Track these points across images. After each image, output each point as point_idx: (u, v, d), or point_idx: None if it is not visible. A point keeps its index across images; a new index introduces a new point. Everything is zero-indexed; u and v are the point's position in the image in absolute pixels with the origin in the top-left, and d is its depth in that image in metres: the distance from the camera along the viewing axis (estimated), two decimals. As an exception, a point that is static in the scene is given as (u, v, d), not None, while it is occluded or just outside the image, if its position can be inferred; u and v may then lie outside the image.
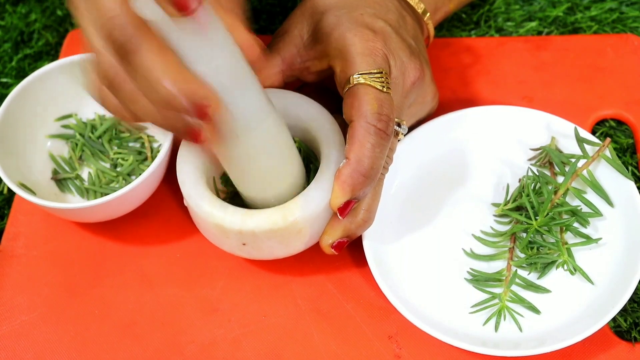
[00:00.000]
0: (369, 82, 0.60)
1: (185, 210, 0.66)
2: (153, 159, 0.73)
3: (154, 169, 0.67)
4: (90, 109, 0.76)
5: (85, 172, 0.75)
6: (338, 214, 0.60)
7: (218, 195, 0.65)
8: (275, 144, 0.60)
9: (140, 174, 0.70)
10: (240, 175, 0.62)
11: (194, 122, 0.52)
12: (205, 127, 0.53)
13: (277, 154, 0.61)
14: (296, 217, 0.61)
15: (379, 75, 0.60)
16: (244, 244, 0.62)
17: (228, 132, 0.56)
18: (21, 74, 0.83)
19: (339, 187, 0.59)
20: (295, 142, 0.68)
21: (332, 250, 0.63)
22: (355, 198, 0.60)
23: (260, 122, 0.57)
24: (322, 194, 0.61)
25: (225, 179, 0.68)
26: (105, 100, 0.56)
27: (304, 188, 0.64)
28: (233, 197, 0.68)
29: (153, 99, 0.50)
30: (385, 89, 0.60)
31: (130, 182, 0.68)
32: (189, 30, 0.49)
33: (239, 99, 0.54)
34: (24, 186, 0.69)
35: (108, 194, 0.70)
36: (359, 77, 0.60)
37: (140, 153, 0.74)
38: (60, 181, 0.74)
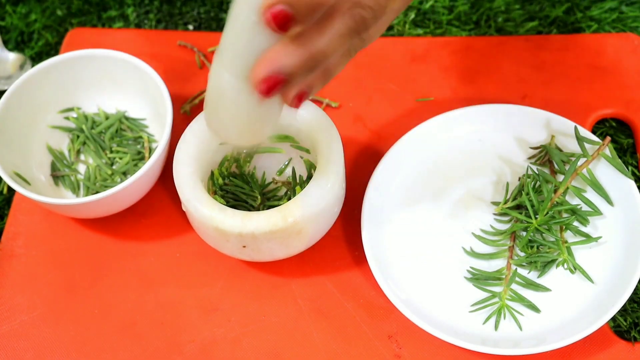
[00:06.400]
0: None
1: (185, 209, 0.67)
2: (150, 159, 0.73)
3: (148, 168, 0.67)
4: (94, 103, 0.77)
5: (81, 166, 0.75)
6: (257, 88, 0.50)
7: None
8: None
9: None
10: None
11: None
12: None
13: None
14: (296, 218, 0.61)
15: None
16: (244, 247, 0.62)
17: None
18: (21, 74, 0.84)
19: (265, 59, 0.49)
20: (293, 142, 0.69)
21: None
22: (277, 73, 0.49)
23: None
24: (321, 193, 0.61)
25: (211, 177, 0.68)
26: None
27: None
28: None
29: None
30: None
31: (125, 181, 0.68)
32: None
33: None
34: (18, 175, 0.69)
35: (102, 190, 0.69)
36: None
37: (139, 153, 0.74)
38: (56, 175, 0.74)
